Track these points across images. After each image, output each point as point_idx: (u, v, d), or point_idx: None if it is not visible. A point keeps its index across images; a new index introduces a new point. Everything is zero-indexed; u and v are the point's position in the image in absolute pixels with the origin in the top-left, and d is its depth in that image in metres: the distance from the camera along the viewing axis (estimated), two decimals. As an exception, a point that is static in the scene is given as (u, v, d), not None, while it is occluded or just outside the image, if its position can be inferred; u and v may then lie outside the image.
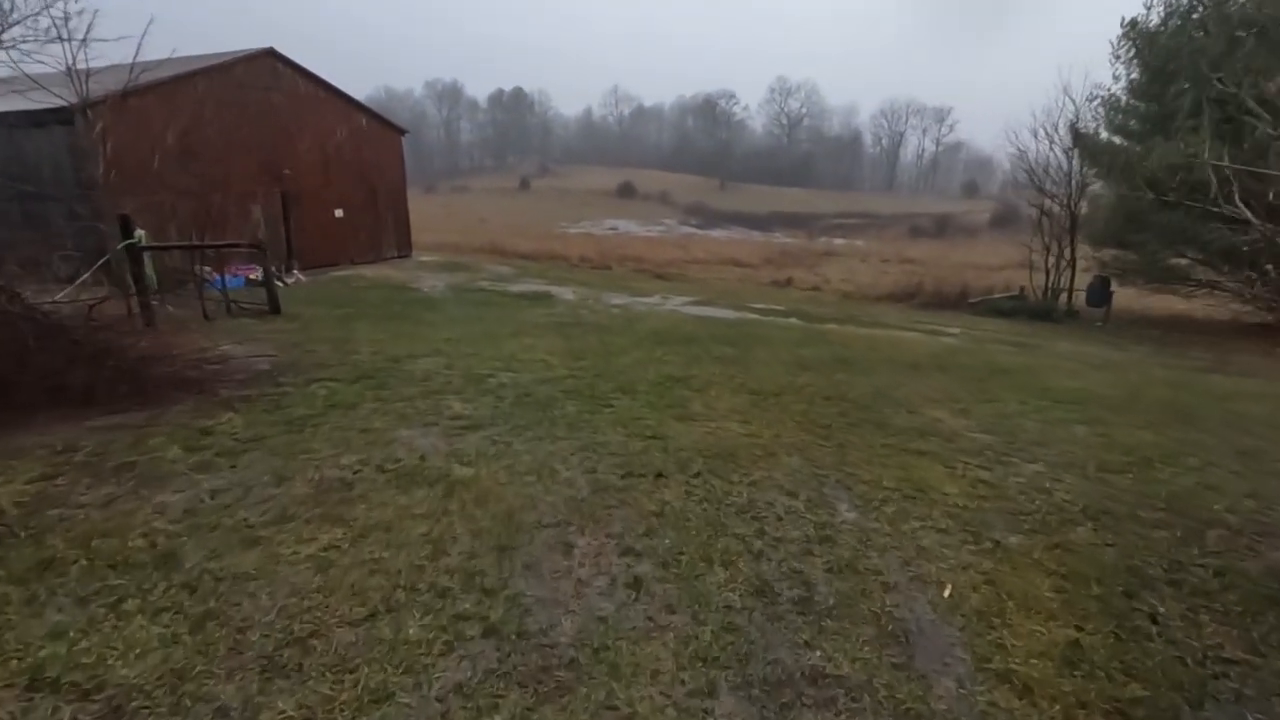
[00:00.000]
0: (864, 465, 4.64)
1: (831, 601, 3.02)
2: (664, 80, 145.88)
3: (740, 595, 3.03)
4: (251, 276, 18.28)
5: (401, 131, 25.13)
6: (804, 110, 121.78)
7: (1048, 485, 4.49)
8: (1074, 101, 20.47)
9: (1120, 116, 19.59)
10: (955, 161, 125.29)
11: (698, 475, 4.31)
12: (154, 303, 12.96)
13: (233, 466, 4.26)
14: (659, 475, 4.27)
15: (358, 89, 24.50)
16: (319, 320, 11.06)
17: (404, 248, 24.96)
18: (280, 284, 17.94)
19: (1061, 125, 21.14)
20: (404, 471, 4.22)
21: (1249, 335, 18.10)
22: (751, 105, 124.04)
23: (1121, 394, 7.85)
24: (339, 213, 22.47)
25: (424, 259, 25.32)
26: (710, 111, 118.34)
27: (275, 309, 11.85)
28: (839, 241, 52.81)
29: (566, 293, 16.98)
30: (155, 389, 5.63)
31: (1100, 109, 19.91)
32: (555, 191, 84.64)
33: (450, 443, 4.73)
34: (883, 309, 19.93)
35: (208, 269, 17.68)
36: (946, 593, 3.11)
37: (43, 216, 14.94)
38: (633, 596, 2.99)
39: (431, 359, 7.46)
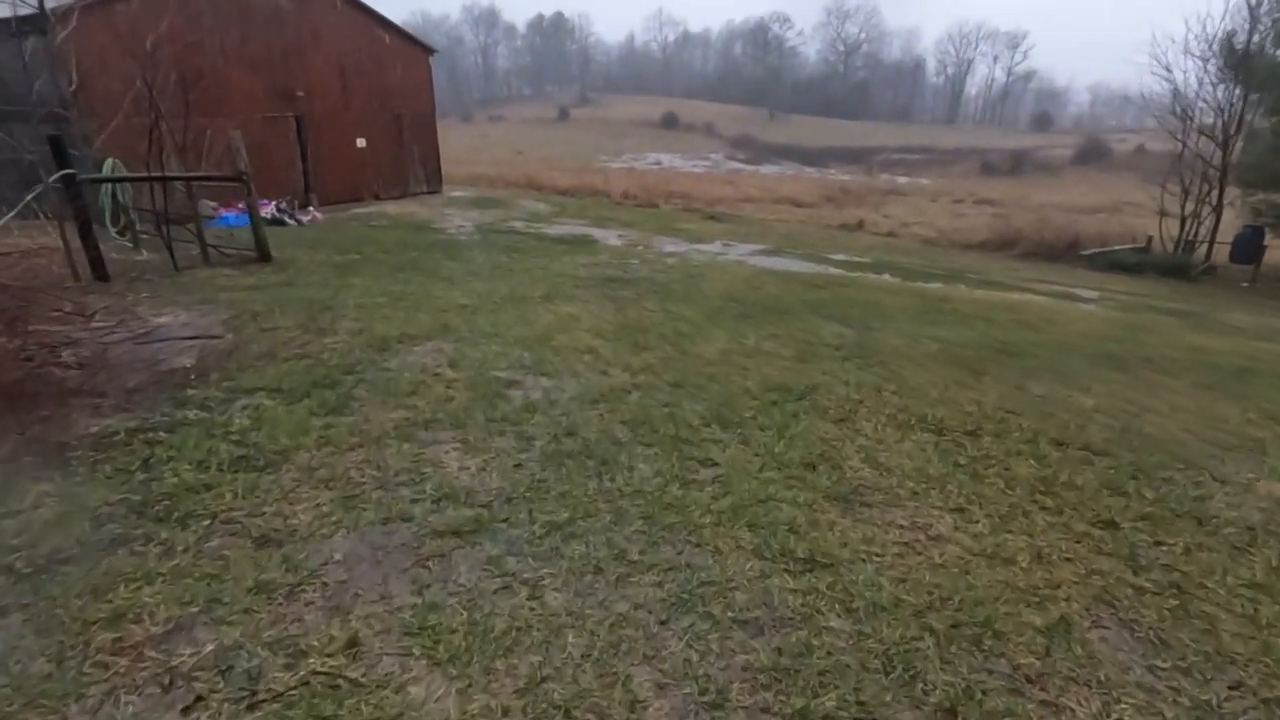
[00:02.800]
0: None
1: None
2: (712, 3, 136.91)
3: None
4: (263, 213, 16.24)
5: (430, 51, 22.35)
6: (862, 35, 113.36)
7: None
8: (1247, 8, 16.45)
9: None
10: (1025, 93, 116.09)
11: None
12: (128, 246, 11.03)
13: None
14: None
15: (391, 11, 21.70)
16: (311, 272, 8.89)
17: (433, 182, 22.59)
18: (293, 222, 15.88)
19: (1213, 43, 17.33)
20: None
21: None
22: (806, 30, 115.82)
23: None
24: (361, 142, 20.13)
25: (455, 194, 22.97)
26: (761, 37, 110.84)
27: (264, 256, 9.72)
28: (902, 179, 48.68)
29: (611, 236, 14.53)
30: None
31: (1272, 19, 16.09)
32: (595, 122, 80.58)
33: (419, 589, 2.43)
34: (979, 261, 17.00)
35: (212, 204, 15.71)
36: None
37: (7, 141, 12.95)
38: None
39: (431, 346, 5.21)
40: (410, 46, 21.34)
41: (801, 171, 53.73)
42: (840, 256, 14.01)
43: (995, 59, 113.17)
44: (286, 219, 15.79)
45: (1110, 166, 52.37)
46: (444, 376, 4.50)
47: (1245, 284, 16.49)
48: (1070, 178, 47.66)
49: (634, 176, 36.19)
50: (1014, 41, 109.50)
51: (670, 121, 78.97)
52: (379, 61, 20.19)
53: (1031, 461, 3.57)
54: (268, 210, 16.02)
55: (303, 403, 3.92)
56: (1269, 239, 16.44)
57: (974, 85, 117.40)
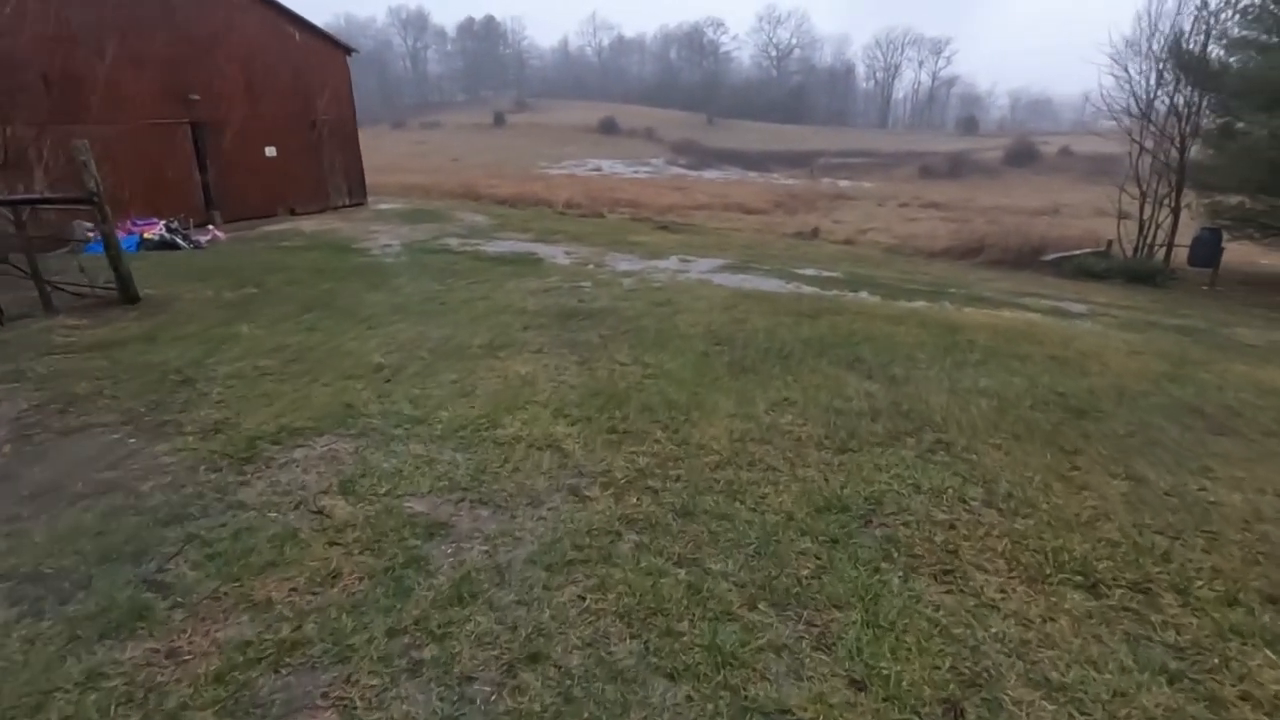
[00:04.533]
0: None
1: None
2: (645, 7, 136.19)
3: None
4: (150, 234, 13.99)
5: (347, 51, 20.30)
6: (794, 40, 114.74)
7: None
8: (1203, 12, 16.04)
9: (1255, 29, 15.51)
10: (950, 98, 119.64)
11: None
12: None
13: None
14: None
15: (314, 14, 19.56)
16: (186, 318, 7.05)
17: (358, 194, 20.53)
18: (188, 245, 13.72)
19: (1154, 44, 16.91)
20: None
21: None
22: (740, 34, 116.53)
23: None
24: (271, 151, 17.96)
25: (384, 207, 20.96)
26: (697, 41, 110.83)
27: (128, 296, 7.77)
28: (844, 183, 48.61)
29: (559, 253, 12.97)
30: None
31: (1230, 18, 15.75)
32: (534, 128, 78.57)
33: None
34: (950, 270, 16.14)
35: (88, 226, 13.45)
36: None
37: None
38: None
39: (322, 450, 3.57)
40: (325, 46, 19.27)
41: (745, 176, 53.16)
42: (810, 271, 12.80)
43: (921, 64, 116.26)
44: (180, 240, 13.60)
45: (1041, 168, 53.71)
46: (330, 521, 2.89)
47: (1205, 287, 16.12)
48: (1008, 180, 48.49)
49: (577, 183, 34.63)
50: (938, 47, 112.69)
51: (610, 127, 77.59)
52: (290, 62, 18.08)
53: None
54: (155, 231, 13.80)
55: (63, 618, 2.27)
56: (1225, 240, 16.12)
57: (902, 89, 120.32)
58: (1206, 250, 16.44)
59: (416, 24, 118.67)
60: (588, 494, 3.20)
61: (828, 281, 11.73)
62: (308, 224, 16.69)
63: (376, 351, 5.81)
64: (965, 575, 2.68)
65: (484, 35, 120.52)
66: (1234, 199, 16.70)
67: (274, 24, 17.53)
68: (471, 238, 14.89)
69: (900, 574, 2.66)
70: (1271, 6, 15.49)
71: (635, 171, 50.73)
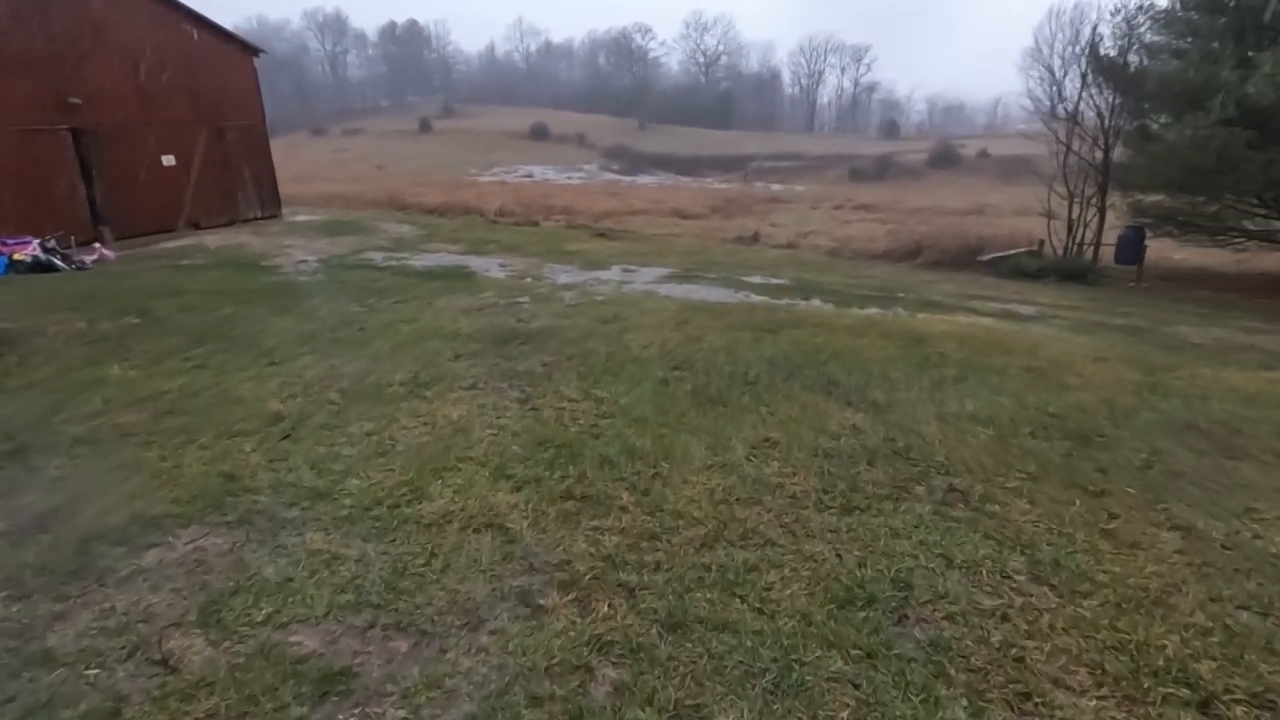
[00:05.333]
0: None
1: None
2: (573, 13, 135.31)
3: None
4: (21, 255, 12.31)
5: (254, 51, 18.76)
6: (721, 47, 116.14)
7: None
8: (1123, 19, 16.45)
9: (1167, 34, 16.00)
10: (871, 103, 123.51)
11: None
12: None
13: None
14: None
15: (222, 16, 17.95)
16: (43, 360, 5.87)
17: (270, 205, 18.98)
18: (68, 266, 12.14)
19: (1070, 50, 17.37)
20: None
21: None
22: (669, 40, 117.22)
23: None
24: (169, 160, 16.33)
25: (301, 219, 19.49)
26: (625, 47, 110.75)
27: (-29, 334, 6.48)
28: (777, 186, 49.05)
29: (493, 266, 12.08)
30: None
31: (1143, 25, 16.19)
32: (462, 134, 76.57)
33: None
34: (893, 273, 16.01)
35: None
36: None
37: None
38: None
39: (182, 552, 2.62)
40: (229, 46, 17.71)
41: (679, 181, 53.02)
42: (757, 279, 12.32)
43: (843, 70, 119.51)
44: (59, 262, 12.02)
45: (962, 170, 55.62)
46: (177, 679, 2.02)
47: (1132, 284, 16.52)
48: (932, 181, 49.92)
49: (509, 191, 33.53)
50: (858, 54, 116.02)
51: (540, 132, 76.39)
52: (189, 63, 16.49)
53: None
54: (28, 251, 12.15)
55: None
56: (1147, 238, 16.57)
57: (826, 95, 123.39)
58: (1131, 248, 16.85)
59: (334, 27, 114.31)
60: (542, 601, 2.43)
61: (777, 289, 11.27)
62: (212, 239, 15.21)
63: (276, 395, 4.85)
64: (1046, 698, 2.05)
65: (407, 40, 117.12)
66: (1153, 198, 17.20)
67: (168, 21, 15.93)
68: (397, 251, 13.81)
69: (965, 705, 2.01)
70: (1182, 13, 16.01)
71: (568, 178, 49.86)
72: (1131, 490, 3.56)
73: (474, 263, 12.45)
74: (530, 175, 50.58)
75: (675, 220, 27.66)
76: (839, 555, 2.78)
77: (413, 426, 4.18)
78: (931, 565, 2.74)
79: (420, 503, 3.18)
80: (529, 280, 10.78)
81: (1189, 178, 14.85)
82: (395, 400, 4.69)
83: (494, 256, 13.46)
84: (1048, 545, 2.92)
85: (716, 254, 17.08)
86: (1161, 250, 19.23)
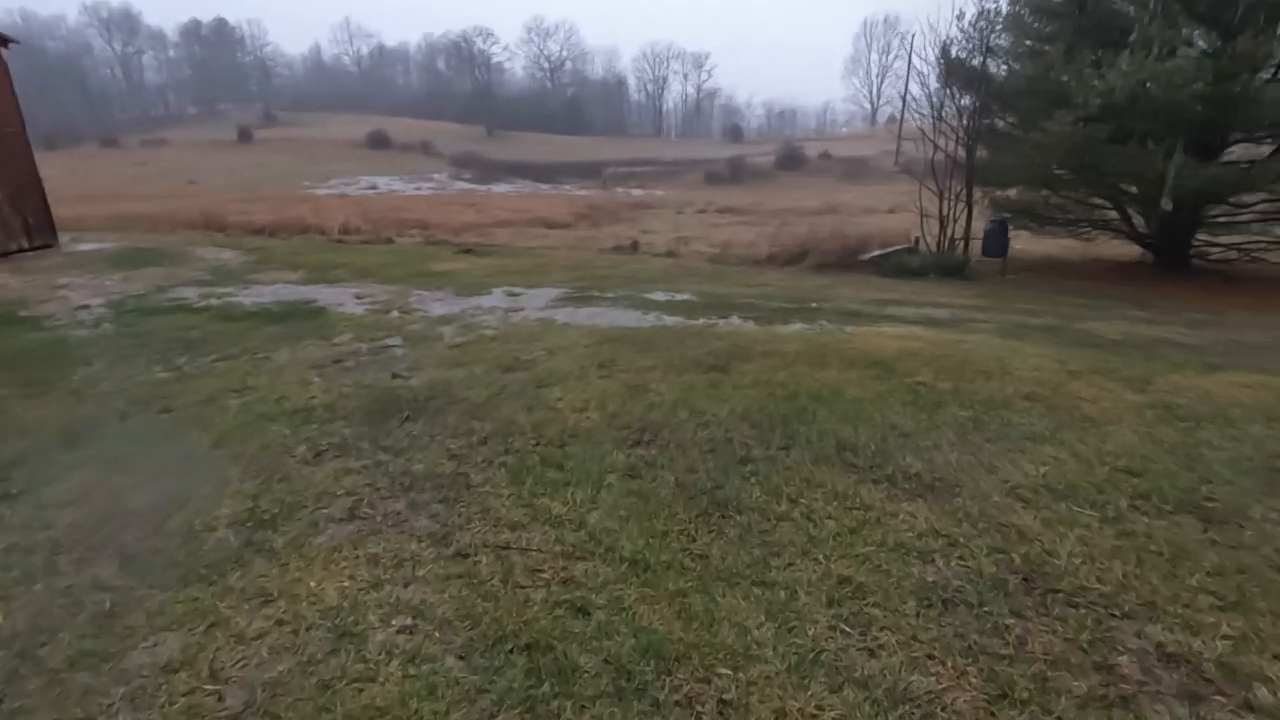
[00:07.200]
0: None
1: None
2: (406, 16, 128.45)
3: None
4: None
5: (3, 42, 14.90)
6: (565, 53, 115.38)
7: None
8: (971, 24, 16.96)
9: (1016, 37, 16.69)
10: (714, 109, 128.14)
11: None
12: None
13: None
14: None
15: None
16: None
17: (40, 233, 15.16)
18: None
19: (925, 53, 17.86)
20: None
21: (1134, 277, 16.81)
22: (511, 45, 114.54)
23: None
24: (-120, 178, 12.39)
25: (86, 248, 15.79)
26: (466, 52, 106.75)
27: None
28: (637, 191, 48.62)
29: (346, 298, 9.90)
30: None
31: (996, 29, 16.80)
32: (289, 144, 69.79)
33: None
34: (787, 279, 15.39)
35: None
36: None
37: None
38: None
39: None
40: (-40, 31, 13.86)
41: (537, 189, 51.17)
42: (660, 296, 11.03)
43: (685, 77, 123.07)
44: None
45: (807, 171, 58.25)
46: None
47: (1003, 276, 17.14)
48: (783, 182, 51.72)
49: (352, 204, 30.17)
50: (699, 61, 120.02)
51: (380, 141, 71.30)
52: (-98, 53, 12.65)
53: None
54: None
55: None
56: (1010, 231, 17.29)
57: (671, 100, 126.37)
58: (997, 241, 17.48)
59: (124, 25, 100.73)
60: None
61: (688, 307, 10.04)
62: (-55, 282, 11.61)
63: (-11, 580, 2.79)
64: None
65: (215, 40, 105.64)
66: (1011, 193, 17.98)
67: None
68: (219, 284, 11.14)
69: None
70: (1026, 17, 16.77)
71: (418, 188, 46.42)
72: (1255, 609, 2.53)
73: (322, 295, 10.18)
74: (375, 187, 46.63)
75: (543, 231, 25.97)
76: None
77: (253, 637, 2.35)
78: None
79: None
80: (395, 315, 8.80)
81: (1040, 173, 15.48)
82: (218, 574, 2.79)
83: (346, 285, 11.20)
84: None
85: (601, 268, 15.66)
86: (1025, 243, 20.37)
